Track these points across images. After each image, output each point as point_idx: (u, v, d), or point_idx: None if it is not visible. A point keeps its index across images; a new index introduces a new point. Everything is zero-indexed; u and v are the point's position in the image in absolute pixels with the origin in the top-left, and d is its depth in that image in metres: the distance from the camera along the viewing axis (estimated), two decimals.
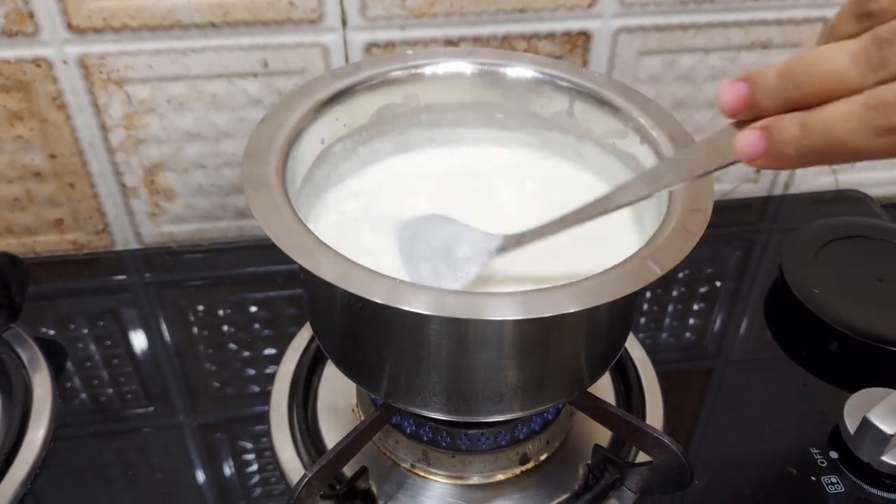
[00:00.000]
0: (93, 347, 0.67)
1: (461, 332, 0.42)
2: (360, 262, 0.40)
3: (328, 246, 0.41)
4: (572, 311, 0.39)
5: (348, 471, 0.53)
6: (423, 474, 0.55)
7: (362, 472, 0.52)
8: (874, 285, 0.69)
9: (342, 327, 0.47)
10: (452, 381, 0.44)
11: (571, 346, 0.46)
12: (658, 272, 0.41)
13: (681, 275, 0.75)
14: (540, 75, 0.54)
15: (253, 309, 0.70)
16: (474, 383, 0.45)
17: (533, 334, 0.43)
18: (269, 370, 0.64)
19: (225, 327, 0.69)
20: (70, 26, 0.64)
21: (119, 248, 0.79)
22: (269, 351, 0.66)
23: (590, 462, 0.55)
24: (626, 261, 0.42)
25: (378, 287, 0.39)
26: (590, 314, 0.44)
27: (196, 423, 0.61)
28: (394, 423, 0.54)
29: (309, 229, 0.42)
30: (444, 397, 0.45)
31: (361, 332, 0.45)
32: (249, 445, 0.59)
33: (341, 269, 0.40)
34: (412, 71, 0.54)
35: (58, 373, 0.63)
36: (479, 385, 0.45)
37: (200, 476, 0.57)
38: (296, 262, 0.40)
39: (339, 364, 0.49)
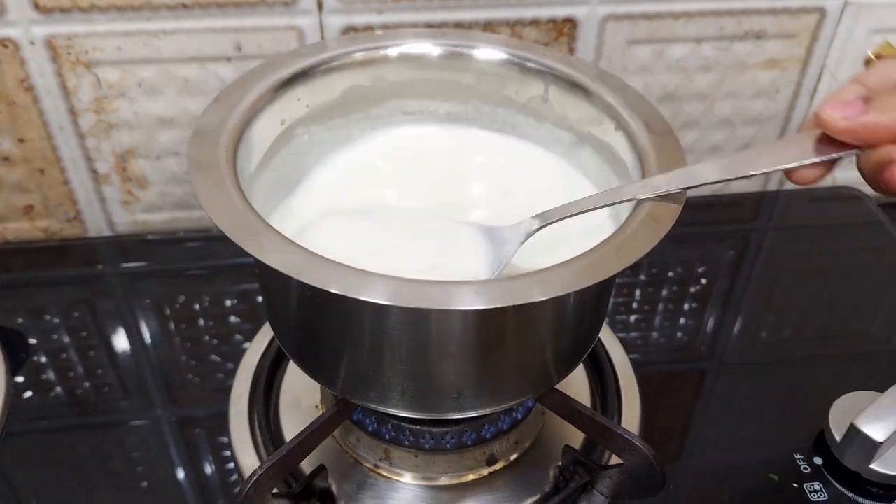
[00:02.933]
0: (66, 339, 0.65)
1: (415, 322, 0.40)
2: (326, 248, 0.38)
3: (276, 230, 0.39)
4: (536, 300, 0.36)
5: (307, 468, 0.51)
6: (386, 474, 0.52)
7: (320, 470, 0.50)
8: None
9: (295, 318, 0.44)
10: (407, 376, 0.42)
11: (536, 340, 0.44)
12: (623, 263, 0.38)
13: (671, 273, 0.73)
14: (512, 58, 0.52)
15: (229, 301, 0.68)
16: (430, 378, 0.42)
17: (493, 325, 0.41)
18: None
19: (201, 320, 0.67)
20: (37, 6, 0.62)
21: (92, 236, 0.77)
22: (247, 344, 0.64)
23: (560, 464, 0.53)
24: (592, 250, 0.39)
25: (330, 275, 0.36)
26: (555, 305, 0.42)
27: (173, 417, 0.59)
28: (355, 420, 0.52)
29: (256, 212, 0.39)
30: (398, 393, 0.43)
31: (314, 322, 0.43)
32: (227, 440, 0.57)
33: (288, 255, 0.37)
34: (379, 52, 0.51)
35: (17, 363, 0.61)
36: (436, 380, 0.42)
37: (179, 471, 0.56)
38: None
39: (293, 357, 0.47)
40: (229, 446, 0.56)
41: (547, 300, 0.37)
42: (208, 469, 0.56)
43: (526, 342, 0.43)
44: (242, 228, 0.38)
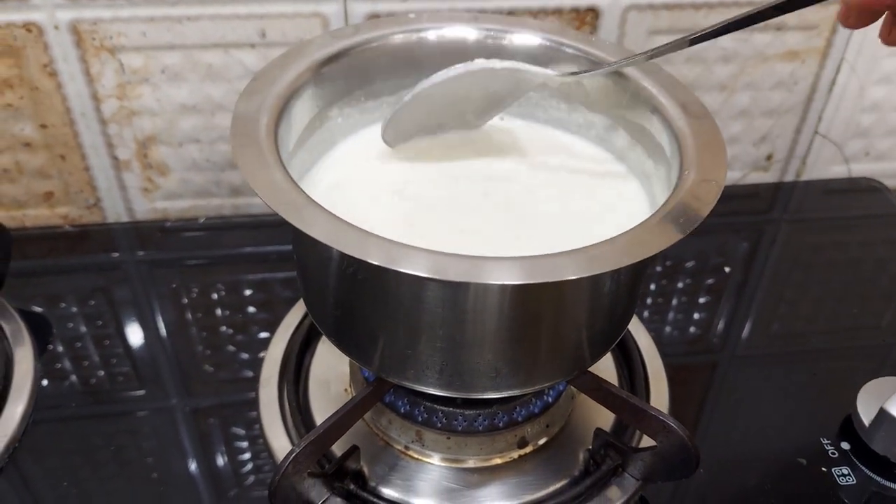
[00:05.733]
0: (83, 328, 0.65)
1: (456, 297, 0.40)
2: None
3: (319, 205, 0.39)
4: (575, 277, 0.37)
5: (338, 451, 0.51)
6: (416, 456, 0.52)
7: (353, 450, 0.50)
8: None
9: (333, 295, 0.44)
10: (447, 353, 0.42)
11: (572, 320, 0.44)
12: (666, 242, 0.38)
13: (688, 265, 0.73)
14: (547, 43, 0.52)
15: (247, 290, 0.68)
16: (470, 356, 0.42)
17: (532, 303, 0.41)
18: (262, 354, 0.61)
19: (218, 310, 0.67)
20: None
21: (111, 223, 0.77)
22: (264, 335, 0.64)
23: (591, 447, 0.53)
24: (633, 229, 0.39)
25: (372, 248, 0.37)
26: (593, 284, 0.42)
27: (189, 408, 0.59)
28: (387, 403, 0.52)
29: (299, 187, 0.40)
30: (437, 371, 0.43)
31: (353, 299, 0.43)
32: (242, 432, 0.57)
33: (333, 229, 0.37)
34: (414, 36, 0.52)
35: (42, 348, 0.61)
36: (475, 358, 0.42)
37: (192, 461, 0.55)
38: (286, 221, 0.38)
39: (330, 335, 0.47)
40: (259, 432, 0.56)
41: (585, 278, 0.38)
42: (227, 457, 0.55)
43: (563, 321, 0.44)
44: (288, 204, 0.38)
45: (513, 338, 0.42)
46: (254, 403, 0.58)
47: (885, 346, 0.65)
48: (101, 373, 0.61)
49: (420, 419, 0.51)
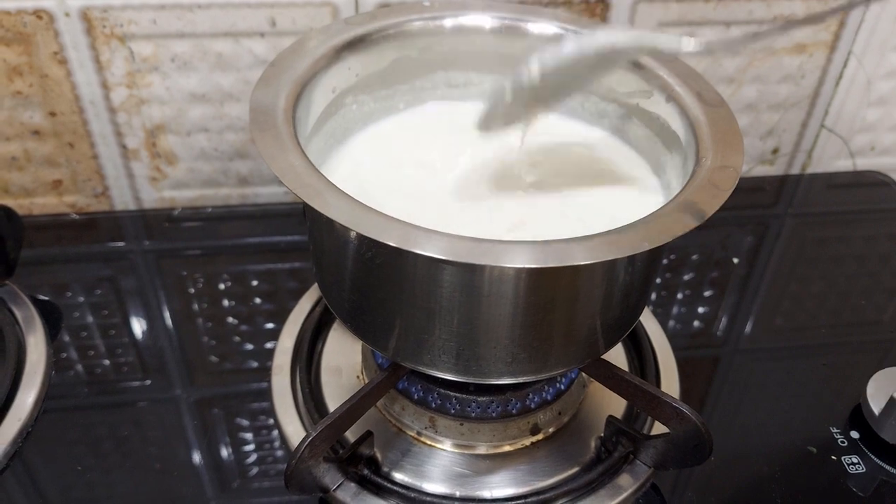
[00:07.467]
0: (89, 318, 0.65)
1: (473, 281, 0.40)
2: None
3: (339, 188, 0.39)
4: (593, 261, 0.37)
5: (352, 437, 0.51)
6: (429, 442, 0.53)
7: (367, 435, 0.50)
8: None
9: (350, 279, 0.44)
10: (463, 338, 0.42)
11: (588, 306, 0.44)
12: (683, 228, 0.39)
13: (692, 258, 0.73)
14: (562, 31, 0.52)
15: (254, 281, 0.68)
16: (487, 341, 0.43)
17: (549, 288, 0.41)
18: (268, 345, 0.61)
19: (225, 300, 0.67)
20: None
21: (119, 212, 0.76)
22: (270, 325, 0.64)
23: (602, 434, 0.53)
24: (650, 215, 0.40)
25: (391, 230, 0.37)
26: (608, 271, 0.42)
27: (193, 398, 0.59)
28: (400, 389, 0.52)
29: (319, 171, 0.40)
30: (453, 356, 0.43)
31: (370, 283, 0.43)
32: (247, 422, 0.57)
33: (353, 212, 0.38)
34: (429, 23, 0.52)
35: (53, 335, 0.61)
36: (492, 343, 0.43)
37: (196, 452, 0.55)
38: (296, 211, 0.38)
39: (345, 321, 0.47)
40: (265, 422, 0.56)
41: (603, 263, 0.38)
42: (232, 448, 0.55)
43: (579, 307, 0.44)
44: (308, 186, 0.39)
45: (530, 323, 0.42)
46: (259, 394, 0.58)
47: (891, 340, 0.66)
48: (107, 362, 0.61)
49: (433, 405, 0.51)
